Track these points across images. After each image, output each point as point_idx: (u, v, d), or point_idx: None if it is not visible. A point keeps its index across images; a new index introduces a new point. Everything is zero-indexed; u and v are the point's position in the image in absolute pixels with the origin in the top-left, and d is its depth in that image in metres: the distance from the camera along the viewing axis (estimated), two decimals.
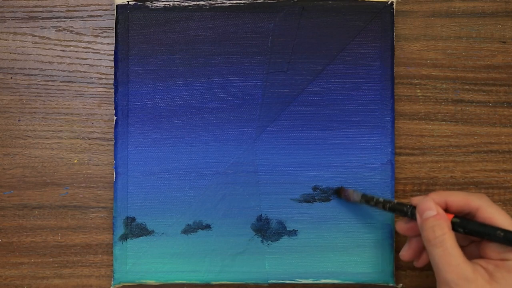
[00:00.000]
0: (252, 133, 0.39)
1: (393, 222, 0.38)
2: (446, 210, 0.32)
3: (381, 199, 0.35)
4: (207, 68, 0.39)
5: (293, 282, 0.38)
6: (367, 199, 0.36)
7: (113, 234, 0.38)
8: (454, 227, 0.31)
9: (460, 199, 0.31)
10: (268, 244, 0.38)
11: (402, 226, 0.34)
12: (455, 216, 0.31)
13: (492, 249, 0.30)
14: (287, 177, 0.38)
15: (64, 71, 0.40)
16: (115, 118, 0.39)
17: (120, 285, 0.38)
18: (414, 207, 0.33)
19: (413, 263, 0.35)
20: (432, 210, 0.31)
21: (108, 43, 0.40)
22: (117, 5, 0.39)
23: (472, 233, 0.30)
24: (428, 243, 0.30)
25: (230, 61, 0.39)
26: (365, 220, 0.38)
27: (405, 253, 0.34)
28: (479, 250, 0.31)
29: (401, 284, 0.38)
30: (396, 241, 0.38)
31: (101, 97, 0.40)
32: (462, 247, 0.32)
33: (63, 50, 0.40)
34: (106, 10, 0.40)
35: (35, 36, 0.40)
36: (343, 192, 0.38)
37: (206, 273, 0.38)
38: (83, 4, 0.40)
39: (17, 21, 0.40)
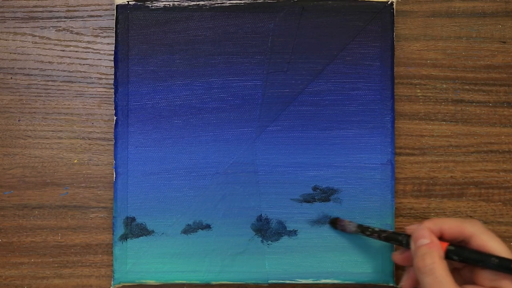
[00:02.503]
0: (252, 133, 0.39)
1: (393, 222, 0.38)
2: (442, 238, 0.32)
3: (376, 229, 0.35)
4: (207, 68, 0.39)
5: (293, 282, 0.38)
6: (363, 229, 0.36)
7: (113, 234, 0.38)
8: (449, 254, 0.31)
9: (454, 226, 0.31)
10: (268, 244, 0.38)
11: (398, 256, 0.34)
12: (450, 244, 0.31)
13: (485, 276, 0.30)
14: (287, 177, 0.38)
15: (64, 71, 0.40)
16: (115, 118, 0.39)
17: (120, 285, 0.38)
18: (409, 236, 0.33)
19: None
20: (425, 238, 0.31)
21: (108, 43, 0.40)
22: (117, 5, 0.39)
23: (466, 260, 0.30)
24: (418, 271, 0.30)
25: (230, 61, 0.39)
26: (365, 220, 0.38)
27: (405, 283, 0.34)
28: (472, 275, 0.31)
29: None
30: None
31: (101, 97, 0.40)
32: (457, 270, 0.33)
33: (63, 50, 0.40)
34: (106, 10, 0.40)
35: (35, 36, 0.40)
36: (339, 223, 0.38)
37: (206, 273, 0.38)
38: (83, 4, 0.40)
39: (17, 21, 0.40)
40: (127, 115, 0.39)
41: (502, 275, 0.29)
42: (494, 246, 0.30)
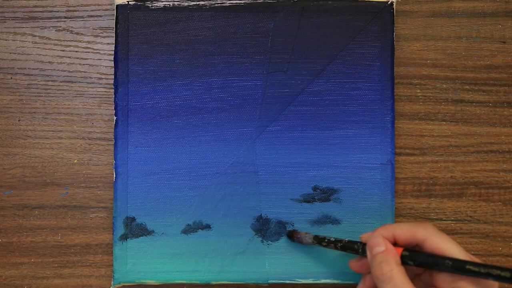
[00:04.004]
0: (252, 133, 0.39)
1: (392, 221, 0.38)
2: (396, 243, 0.32)
3: (332, 239, 0.35)
4: (207, 68, 0.39)
5: (293, 282, 0.38)
6: (319, 240, 0.36)
7: (113, 234, 0.38)
8: (404, 260, 0.30)
9: (406, 232, 0.31)
10: (268, 244, 0.38)
11: (354, 264, 0.34)
12: (405, 249, 0.31)
13: (443, 279, 0.30)
14: (287, 177, 0.38)
15: (64, 71, 0.40)
16: (115, 118, 0.39)
17: (120, 285, 0.38)
18: (364, 244, 0.32)
19: None
20: (380, 246, 0.31)
21: (108, 43, 0.40)
22: (117, 5, 0.39)
23: (422, 265, 0.30)
24: (377, 279, 0.30)
25: (230, 61, 0.39)
26: (365, 220, 0.38)
27: None
28: (431, 279, 0.31)
29: None
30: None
31: (101, 97, 0.40)
32: (417, 276, 0.32)
33: (63, 50, 0.40)
34: (106, 10, 0.40)
35: (35, 36, 0.40)
36: (295, 235, 0.37)
37: (206, 273, 0.38)
38: (83, 4, 0.40)
39: (17, 21, 0.40)
40: (127, 115, 0.39)
41: (459, 276, 0.29)
42: (448, 247, 0.30)
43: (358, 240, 0.34)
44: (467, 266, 0.28)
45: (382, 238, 0.31)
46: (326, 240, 0.35)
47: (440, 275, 0.30)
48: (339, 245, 0.34)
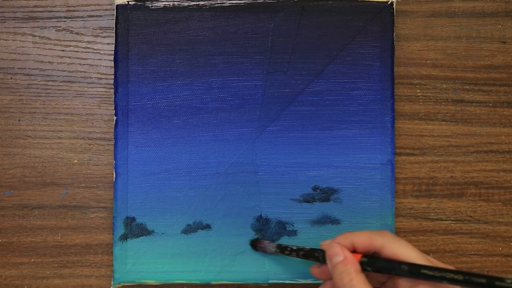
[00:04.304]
0: (252, 133, 0.39)
1: (392, 221, 0.38)
2: (355, 251, 0.32)
3: (294, 247, 0.35)
4: (207, 68, 0.39)
5: (293, 282, 0.38)
6: (282, 249, 0.36)
7: (113, 234, 0.38)
8: (363, 266, 0.30)
9: (364, 240, 0.31)
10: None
11: (315, 270, 0.34)
12: (363, 256, 0.31)
13: (402, 284, 0.30)
14: (287, 177, 0.38)
15: (64, 71, 0.40)
16: (115, 118, 0.39)
17: (120, 285, 0.38)
18: (325, 252, 0.32)
19: None
20: (339, 255, 0.31)
21: (108, 43, 0.40)
22: (117, 5, 0.39)
23: (380, 270, 0.30)
24: None
25: (230, 61, 0.39)
26: (365, 220, 0.38)
27: None
28: (394, 286, 0.31)
29: None
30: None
31: (101, 97, 0.40)
32: (383, 284, 0.32)
33: (63, 50, 0.40)
34: (106, 10, 0.40)
35: (35, 36, 0.40)
36: (259, 244, 0.37)
37: (206, 273, 0.38)
38: (83, 4, 0.40)
39: (17, 21, 0.40)
40: (127, 115, 0.39)
41: (417, 281, 0.29)
42: (406, 253, 0.30)
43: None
44: (422, 271, 0.28)
45: (340, 247, 0.31)
46: (288, 249, 0.35)
47: (400, 280, 0.30)
48: (301, 253, 0.34)
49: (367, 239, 0.31)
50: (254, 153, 0.39)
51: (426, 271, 0.28)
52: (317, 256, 0.33)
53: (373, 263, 0.30)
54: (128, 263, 0.38)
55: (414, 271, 0.29)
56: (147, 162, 0.39)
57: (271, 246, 0.37)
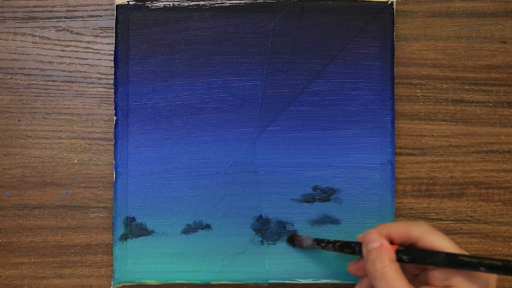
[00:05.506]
0: (252, 133, 0.39)
1: (393, 221, 0.38)
2: (391, 242, 0.32)
3: (331, 240, 0.35)
4: (207, 68, 0.39)
5: (293, 282, 0.38)
6: (319, 242, 0.36)
7: (113, 234, 0.38)
8: (399, 255, 0.30)
9: (401, 231, 0.31)
10: (268, 244, 0.38)
11: (352, 267, 0.34)
12: (400, 246, 0.31)
13: (436, 276, 0.30)
14: (287, 177, 0.38)
15: (64, 71, 0.40)
16: (115, 118, 0.39)
17: (120, 285, 0.38)
18: (361, 244, 0.32)
19: None
20: (375, 242, 0.31)
21: (108, 43, 0.40)
22: (117, 5, 0.39)
23: (416, 259, 0.30)
24: (370, 276, 0.30)
25: (230, 61, 0.39)
26: (365, 220, 0.38)
27: None
28: (426, 278, 0.31)
29: None
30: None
31: (101, 97, 0.40)
32: (416, 277, 0.32)
33: (63, 50, 0.40)
34: (106, 10, 0.40)
35: (35, 36, 0.40)
36: (296, 238, 0.38)
37: (206, 273, 0.38)
38: (83, 4, 0.40)
39: (17, 21, 0.40)
40: (127, 115, 0.39)
41: (453, 273, 0.29)
42: (443, 244, 0.30)
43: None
44: (460, 257, 0.28)
45: (377, 234, 0.31)
46: (325, 241, 0.35)
47: (433, 273, 0.30)
48: (337, 244, 0.34)
49: (404, 230, 0.31)
50: (254, 153, 0.39)
51: (464, 258, 0.28)
52: (353, 247, 0.33)
53: (409, 252, 0.30)
54: (128, 263, 0.38)
55: (451, 259, 0.29)
56: (147, 162, 0.39)
57: (308, 240, 0.37)
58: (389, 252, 0.30)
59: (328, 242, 0.35)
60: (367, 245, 0.31)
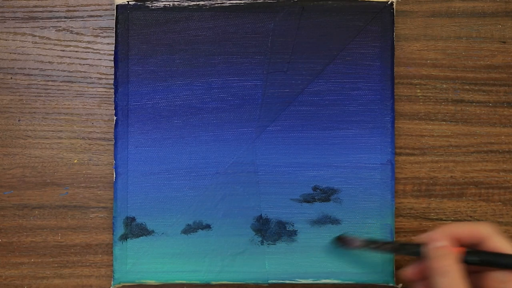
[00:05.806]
0: (252, 133, 0.39)
1: (392, 221, 0.38)
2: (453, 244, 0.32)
3: (387, 241, 0.36)
4: (207, 68, 0.39)
5: (293, 282, 0.38)
6: (370, 243, 0.36)
7: (113, 234, 0.38)
8: (467, 256, 0.31)
9: (468, 230, 0.31)
10: (268, 244, 0.38)
11: (410, 270, 0.34)
12: (466, 248, 0.31)
13: (495, 278, 0.30)
14: (287, 177, 0.38)
15: (64, 71, 0.40)
16: (115, 118, 0.39)
17: (120, 285, 0.38)
18: (419, 245, 0.32)
19: None
20: (441, 241, 0.31)
21: (108, 43, 0.40)
22: (117, 5, 0.39)
23: (484, 262, 0.30)
24: (434, 271, 0.30)
25: (230, 61, 0.39)
26: (365, 220, 0.38)
27: (409, 271, 0.34)
28: (481, 280, 0.31)
29: (401, 284, 0.38)
30: (396, 241, 0.38)
31: (101, 97, 0.40)
32: (471, 275, 0.32)
33: (63, 50, 0.40)
34: (106, 10, 0.40)
35: (35, 36, 0.40)
36: (344, 240, 0.37)
37: (206, 273, 0.38)
38: (83, 4, 0.40)
39: (17, 21, 0.40)
40: (127, 115, 0.39)
41: (509, 278, 0.29)
42: (508, 246, 0.30)
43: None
44: None
45: (443, 235, 0.31)
46: (379, 242, 0.36)
47: (492, 275, 0.30)
48: (389, 246, 0.35)
49: (472, 230, 0.31)
50: (254, 153, 0.39)
51: None
52: (414, 246, 0.33)
53: (478, 253, 0.30)
54: (128, 263, 0.38)
55: None
56: (147, 162, 0.39)
57: (358, 241, 0.37)
58: (455, 253, 0.30)
59: (385, 242, 0.35)
60: (433, 243, 0.31)
